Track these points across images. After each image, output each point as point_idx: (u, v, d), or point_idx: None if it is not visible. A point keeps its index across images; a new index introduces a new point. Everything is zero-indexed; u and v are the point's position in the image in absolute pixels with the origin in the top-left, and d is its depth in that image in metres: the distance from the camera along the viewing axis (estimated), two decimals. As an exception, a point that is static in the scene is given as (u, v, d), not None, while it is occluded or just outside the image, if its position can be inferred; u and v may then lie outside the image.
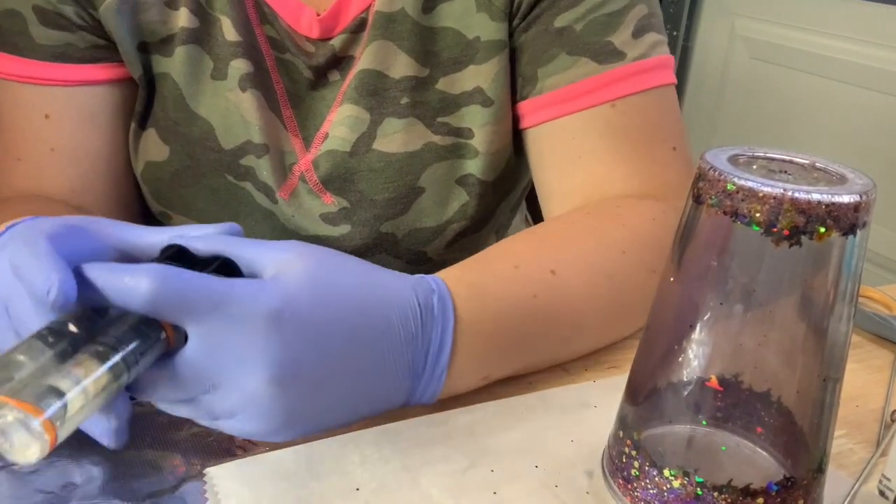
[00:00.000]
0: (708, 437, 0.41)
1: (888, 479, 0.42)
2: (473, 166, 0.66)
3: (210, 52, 0.64)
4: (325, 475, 0.42)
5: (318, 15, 0.64)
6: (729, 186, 0.35)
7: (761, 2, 1.87)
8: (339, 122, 0.65)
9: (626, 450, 0.41)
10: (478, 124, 0.65)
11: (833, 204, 0.34)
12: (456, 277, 0.47)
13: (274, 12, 0.64)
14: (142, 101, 0.66)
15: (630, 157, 0.62)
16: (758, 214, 0.34)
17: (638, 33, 0.62)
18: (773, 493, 0.38)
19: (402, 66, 0.64)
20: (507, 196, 0.72)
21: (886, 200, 1.61)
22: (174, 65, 0.64)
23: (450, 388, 0.46)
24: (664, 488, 0.39)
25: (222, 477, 0.42)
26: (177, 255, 0.41)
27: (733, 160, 0.37)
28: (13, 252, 0.38)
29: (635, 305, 0.54)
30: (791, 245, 0.34)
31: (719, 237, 0.36)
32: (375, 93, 0.64)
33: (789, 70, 1.83)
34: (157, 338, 0.38)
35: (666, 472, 0.39)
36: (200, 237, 0.42)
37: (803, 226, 0.34)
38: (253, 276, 0.41)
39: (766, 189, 0.34)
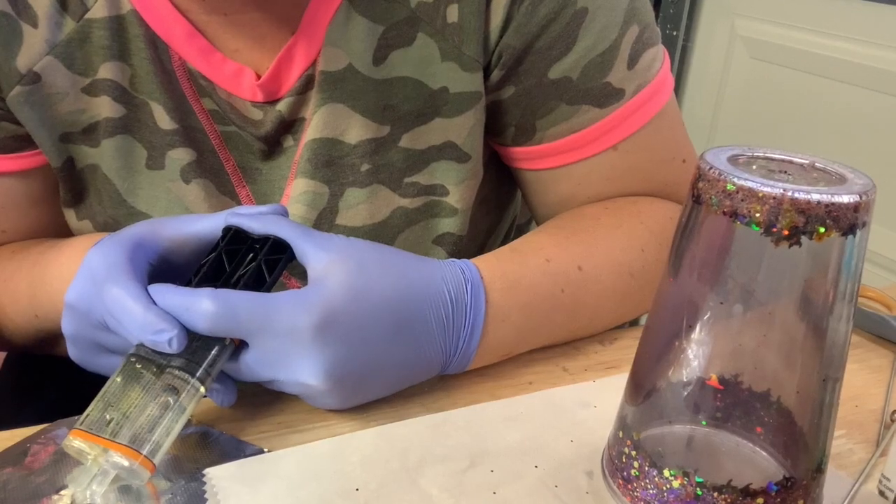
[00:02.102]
0: (708, 437, 0.41)
1: (888, 480, 0.42)
2: (451, 224, 0.61)
3: (142, 141, 0.58)
4: (325, 475, 0.42)
5: (258, 78, 0.57)
6: (729, 186, 0.35)
7: (761, 2, 1.87)
8: (296, 198, 0.59)
9: (626, 450, 0.41)
10: (453, 181, 0.60)
11: (833, 204, 0.34)
12: (491, 266, 0.51)
13: (211, 83, 0.57)
14: (67, 190, 0.61)
15: (640, 186, 0.62)
16: (757, 214, 0.34)
17: (633, 61, 0.58)
18: (773, 494, 0.38)
19: (357, 129, 0.58)
20: (494, 232, 0.70)
21: (886, 200, 1.61)
22: (103, 157, 0.59)
23: (475, 364, 0.51)
24: (664, 488, 0.39)
25: (222, 477, 0.42)
26: (234, 236, 0.46)
27: (733, 160, 0.37)
28: (116, 300, 0.43)
29: (649, 299, 0.58)
30: (791, 245, 0.34)
31: (719, 237, 0.36)
32: (331, 163, 0.58)
33: (789, 70, 1.83)
34: (224, 344, 0.43)
35: (666, 473, 0.39)
36: (255, 217, 0.47)
37: (803, 226, 0.34)
38: (301, 262, 0.46)
39: (766, 189, 0.34)
